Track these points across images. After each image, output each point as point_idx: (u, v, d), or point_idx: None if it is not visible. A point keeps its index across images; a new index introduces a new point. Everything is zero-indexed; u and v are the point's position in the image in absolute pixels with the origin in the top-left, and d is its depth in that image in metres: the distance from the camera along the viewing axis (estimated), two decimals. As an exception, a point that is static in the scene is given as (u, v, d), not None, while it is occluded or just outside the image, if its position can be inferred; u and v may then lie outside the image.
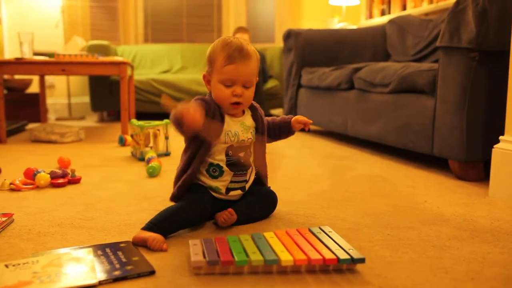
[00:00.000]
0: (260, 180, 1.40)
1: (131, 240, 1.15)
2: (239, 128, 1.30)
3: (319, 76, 3.05)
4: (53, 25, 4.73)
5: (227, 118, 1.29)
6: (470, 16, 1.74)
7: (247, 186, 1.34)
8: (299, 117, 1.39)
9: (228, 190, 1.31)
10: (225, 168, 1.28)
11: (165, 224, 1.17)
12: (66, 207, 1.49)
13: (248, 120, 1.33)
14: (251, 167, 1.34)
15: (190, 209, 1.22)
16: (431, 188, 1.76)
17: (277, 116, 1.44)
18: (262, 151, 1.37)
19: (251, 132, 1.32)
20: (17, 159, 2.36)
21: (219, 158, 1.28)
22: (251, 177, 1.35)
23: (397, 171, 2.06)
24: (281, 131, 1.42)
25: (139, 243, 1.13)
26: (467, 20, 1.76)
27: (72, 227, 1.29)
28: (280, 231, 1.14)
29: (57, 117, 4.66)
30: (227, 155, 1.28)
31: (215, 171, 1.29)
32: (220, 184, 1.29)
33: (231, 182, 1.30)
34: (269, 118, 1.44)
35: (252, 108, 1.35)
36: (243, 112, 1.34)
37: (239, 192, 1.33)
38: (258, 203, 1.34)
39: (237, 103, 1.27)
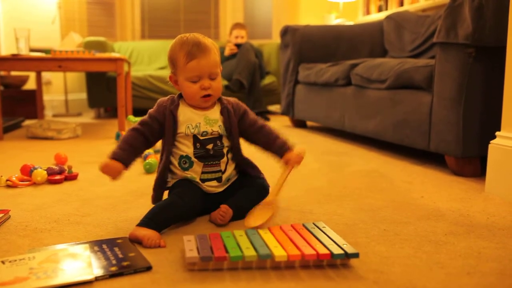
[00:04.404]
0: (247, 172, 1.40)
1: (127, 236, 1.16)
2: (201, 120, 1.32)
3: (316, 72, 3.05)
4: (50, 21, 4.71)
5: (187, 111, 1.32)
6: (466, 12, 1.74)
7: (224, 176, 1.34)
8: (291, 157, 1.34)
9: (203, 180, 1.32)
10: (193, 159, 1.30)
11: (158, 219, 1.18)
12: (62, 203, 1.49)
13: (214, 113, 1.34)
14: (225, 158, 1.34)
15: (181, 202, 1.23)
16: (428, 183, 1.76)
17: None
18: (234, 146, 1.36)
19: (219, 126, 1.33)
20: (14, 155, 2.36)
21: (188, 150, 1.31)
22: (227, 168, 1.35)
23: (394, 166, 2.07)
24: (269, 149, 1.39)
25: (135, 241, 1.14)
26: (464, 16, 1.76)
27: (68, 223, 1.29)
28: (274, 226, 1.14)
29: (54, 114, 4.65)
30: (195, 147, 1.30)
31: (186, 163, 1.31)
32: (193, 174, 1.31)
33: (203, 172, 1.31)
34: (262, 125, 1.40)
35: (221, 102, 1.36)
36: (213, 105, 1.35)
37: (214, 183, 1.33)
38: (250, 196, 1.34)
39: (207, 96, 1.30)
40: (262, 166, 1.44)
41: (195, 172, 1.31)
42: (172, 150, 1.33)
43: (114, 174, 1.24)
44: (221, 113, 1.34)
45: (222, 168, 1.34)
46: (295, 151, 1.36)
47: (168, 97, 1.36)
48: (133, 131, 1.31)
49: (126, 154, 1.26)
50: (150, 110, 1.35)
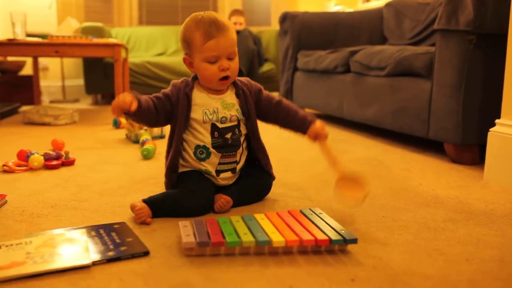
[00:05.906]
0: (260, 162, 1.36)
1: (125, 221, 1.15)
2: (219, 105, 1.26)
3: (315, 59, 3.02)
4: (46, 5, 4.65)
5: (203, 95, 1.27)
6: (468, -2, 1.73)
7: (238, 167, 1.31)
8: (316, 129, 1.29)
9: (218, 172, 1.28)
10: (211, 149, 1.25)
11: (163, 207, 1.17)
12: (59, 188, 1.48)
13: (230, 97, 1.29)
14: (241, 148, 1.30)
15: (193, 200, 1.20)
16: (427, 171, 1.76)
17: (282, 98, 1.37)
18: (253, 130, 1.32)
19: (236, 110, 1.28)
20: (11, 141, 2.35)
21: (205, 139, 1.25)
22: (242, 158, 1.32)
23: (392, 154, 2.06)
24: (290, 126, 1.35)
25: (131, 209, 1.18)
26: (465, 3, 1.74)
27: (66, 208, 1.28)
28: (271, 212, 1.13)
29: (51, 100, 4.63)
30: (213, 136, 1.25)
31: (202, 153, 1.26)
32: (209, 166, 1.27)
33: (220, 164, 1.27)
34: (279, 101, 1.35)
35: (235, 85, 1.31)
36: (227, 88, 1.31)
37: (229, 174, 1.30)
38: (251, 187, 1.32)
39: (226, 78, 1.24)
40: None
41: (211, 164, 1.27)
42: (186, 138, 1.27)
43: (126, 102, 1.14)
44: (237, 95, 1.29)
45: (238, 158, 1.30)
46: (317, 124, 1.30)
47: (181, 79, 1.31)
48: (147, 97, 1.26)
49: (142, 98, 1.21)
50: (164, 90, 1.29)
